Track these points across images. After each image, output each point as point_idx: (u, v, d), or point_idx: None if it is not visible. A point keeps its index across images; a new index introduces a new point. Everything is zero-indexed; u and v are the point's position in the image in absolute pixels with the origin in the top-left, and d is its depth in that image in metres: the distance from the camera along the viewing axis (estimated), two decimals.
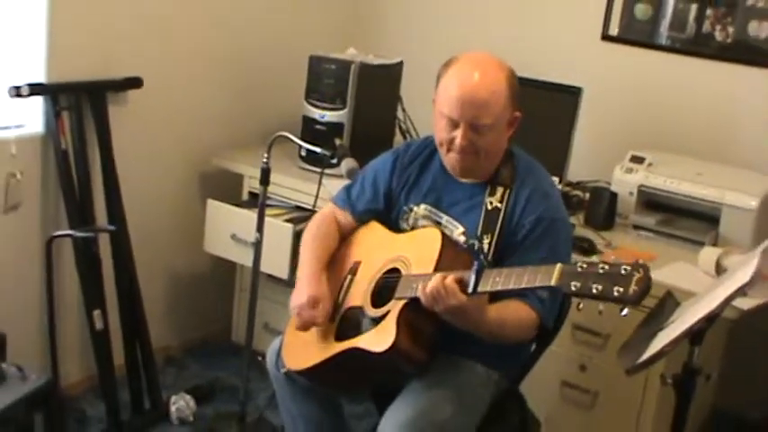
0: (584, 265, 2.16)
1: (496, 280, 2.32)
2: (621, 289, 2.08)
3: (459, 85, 2.60)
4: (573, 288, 2.15)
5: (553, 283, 2.19)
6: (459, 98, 2.59)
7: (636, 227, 3.62)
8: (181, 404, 3.68)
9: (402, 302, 2.51)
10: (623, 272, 2.10)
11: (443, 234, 2.63)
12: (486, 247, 2.62)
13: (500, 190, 2.69)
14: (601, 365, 3.33)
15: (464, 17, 4.46)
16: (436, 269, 2.49)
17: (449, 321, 2.42)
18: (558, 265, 2.20)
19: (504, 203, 2.66)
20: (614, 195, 3.62)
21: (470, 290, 2.32)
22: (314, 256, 2.83)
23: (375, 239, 2.85)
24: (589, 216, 3.64)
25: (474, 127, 2.59)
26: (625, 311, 2.13)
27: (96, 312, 3.56)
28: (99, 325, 3.56)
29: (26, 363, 2.87)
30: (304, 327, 2.68)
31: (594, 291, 2.12)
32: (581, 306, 2.22)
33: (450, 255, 2.55)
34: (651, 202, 3.65)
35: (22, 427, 2.68)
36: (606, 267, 2.13)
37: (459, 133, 2.61)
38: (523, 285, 2.28)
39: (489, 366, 2.72)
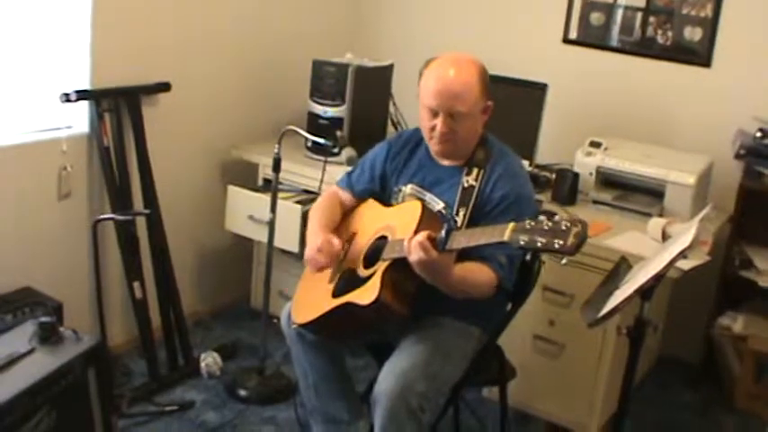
0: (532, 223, 2.14)
1: (460, 240, 2.34)
2: (561, 242, 2.07)
3: (437, 80, 2.62)
4: (522, 242, 2.13)
5: (506, 238, 2.18)
6: (438, 90, 2.61)
7: (595, 202, 3.64)
8: (209, 360, 3.68)
9: (386, 263, 2.52)
10: (564, 227, 2.09)
11: (423, 205, 2.64)
12: (460, 219, 2.63)
13: (475, 170, 2.69)
14: (567, 320, 3.36)
15: (447, 25, 4.47)
16: (416, 233, 2.51)
17: (422, 275, 2.42)
18: (510, 224, 2.19)
19: (479, 182, 2.67)
20: (576, 175, 3.64)
21: (441, 247, 2.34)
22: (319, 224, 2.84)
23: (370, 213, 2.87)
24: (555, 193, 3.65)
25: (451, 114, 2.61)
26: (564, 261, 2.14)
27: (136, 283, 3.58)
28: (138, 294, 3.58)
29: (79, 327, 2.85)
30: (318, 266, 2.71)
31: (539, 244, 2.10)
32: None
33: (428, 221, 2.55)
34: (607, 180, 3.67)
35: (78, 380, 2.67)
36: (550, 224, 2.11)
37: (439, 121, 2.63)
38: (482, 242, 2.28)
39: (471, 323, 2.74)
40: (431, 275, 2.44)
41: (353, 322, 2.67)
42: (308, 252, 2.75)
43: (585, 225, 2.10)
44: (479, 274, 2.55)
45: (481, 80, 2.65)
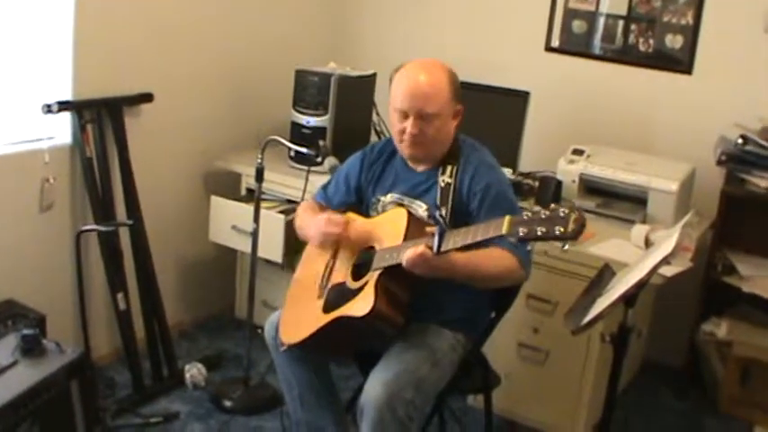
0: (529, 214, 2.17)
1: (456, 239, 2.35)
2: (562, 228, 2.10)
3: (407, 83, 2.65)
4: (521, 233, 2.16)
5: (504, 231, 2.20)
6: (408, 93, 2.63)
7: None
8: (194, 371, 3.68)
9: (378, 272, 2.52)
10: (562, 214, 2.12)
11: (408, 211, 2.64)
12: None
13: (449, 168, 2.70)
14: (551, 328, 3.37)
15: (429, 34, 4.47)
16: (405, 240, 2.52)
17: (428, 277, 2.43)
18: (507, 217, 2.22)
19: (454, 178, 2.68)
20: (559, 183, 3.64)
21: (435, 250, 2.35)
22: (313, 213, 2.88)
23: (352, 225, 2.83)
24: (538, 201, 3.64)
25: (421, 116, 2.62)
26: (566, 247, 2.16)
27: (119, 295, 3.56)
28: (122, 305, 3.57)
29: (63, 339, 2.86)
30: (332, 236, 2.75)
31: (539, 233, 2.13)
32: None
33: (415, 226, 2.56)
34: (590, 187, 3.68)
35: (62, 393, 2.68)
36: (547, 213, 2.15)
37: (409, 123, 2.64)
38: (479, 238, 2.30)
39: (456, 331, 2.74)
40: (438, 275, 2.44)
41: (347, 337, 2.66)
42: (316, 231, 2.78)
43: (582, 211, 2.14)
44: (491, 256, 2.52)
45: (451, 83, 2.68)
